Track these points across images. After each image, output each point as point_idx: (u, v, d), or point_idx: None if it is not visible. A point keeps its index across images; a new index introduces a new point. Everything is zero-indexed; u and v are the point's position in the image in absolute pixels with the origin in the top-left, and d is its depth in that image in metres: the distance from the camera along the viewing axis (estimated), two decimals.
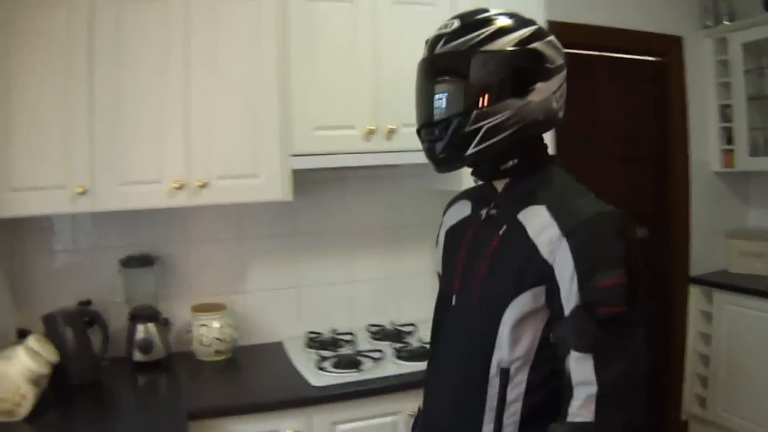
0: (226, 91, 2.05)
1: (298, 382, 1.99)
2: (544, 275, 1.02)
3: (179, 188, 1.99)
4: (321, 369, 2.03)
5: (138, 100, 1.97)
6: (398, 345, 2.26)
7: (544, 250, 1.03)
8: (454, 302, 1.21)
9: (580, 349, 0.99)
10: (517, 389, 1.07)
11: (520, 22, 1.11)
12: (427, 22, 1.46)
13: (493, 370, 1.08)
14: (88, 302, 2.17)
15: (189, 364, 2.20)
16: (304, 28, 2.10)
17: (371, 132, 2.15)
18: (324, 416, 1.90)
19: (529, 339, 1.06)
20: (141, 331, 2.15)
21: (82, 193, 1.91)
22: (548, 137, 1.21)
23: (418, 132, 1.19)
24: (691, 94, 3.28)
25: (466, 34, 1.08)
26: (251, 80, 2.07)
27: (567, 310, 1.00)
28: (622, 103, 3.18)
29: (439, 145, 1.12)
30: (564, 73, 1.14)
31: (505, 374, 1.07)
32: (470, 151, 1.09)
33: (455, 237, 1.28)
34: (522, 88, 1.08)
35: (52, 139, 1.90)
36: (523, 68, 1.08)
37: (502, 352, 1.07)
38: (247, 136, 2.07)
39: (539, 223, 1.05)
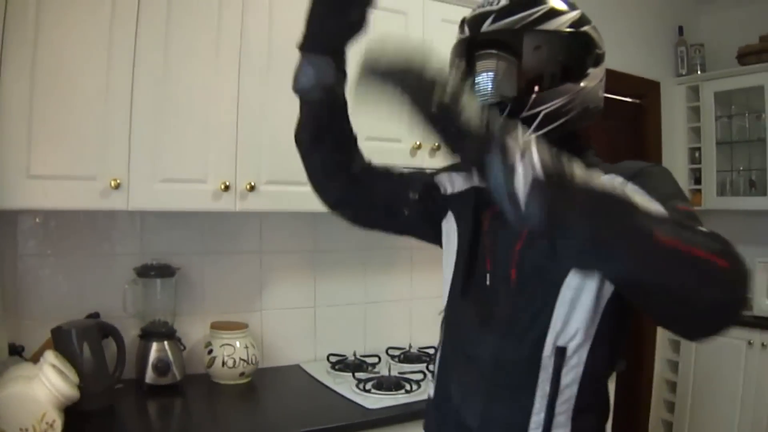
0: (278, 92, 1.90)
1: (345, 405, 1.82)
2: None
3: (225, 190, 1.80)
4: (365, 391, 1.89)
5: (186, 91, 1.77)
6: (429, 366, 2.16)
7: None
8: (488, 281, 1.05)
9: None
10: (573, 372, 0.95)
11: (568, 3, 1.05)
12: None
13: (548, 350, 0.95)
14: (95, 315, 1.89)
15: (206, 387, 1.97)
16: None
17: (417, 147, 2.09)
18: None
19: (590, 312, 0.94)
20: (156, 350, 1.89)
21: (116, 188, 1.67)
22: None
23: None
24: (664, 136, 3.51)
25: (518, 12, 0.99)
26: None
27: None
28: (608, 141, 3.32)
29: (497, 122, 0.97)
30: (605, 62, 1.08)
31: (561, 354, 0.94)
32: (529, 133, 0.90)
33: (466, 207, 1.11)
34: (578, 73, 1.02)
35: (84, 124, 1.65)
36: (579, 51, 1.03)
37: (558, 330, 0.95)
38: None
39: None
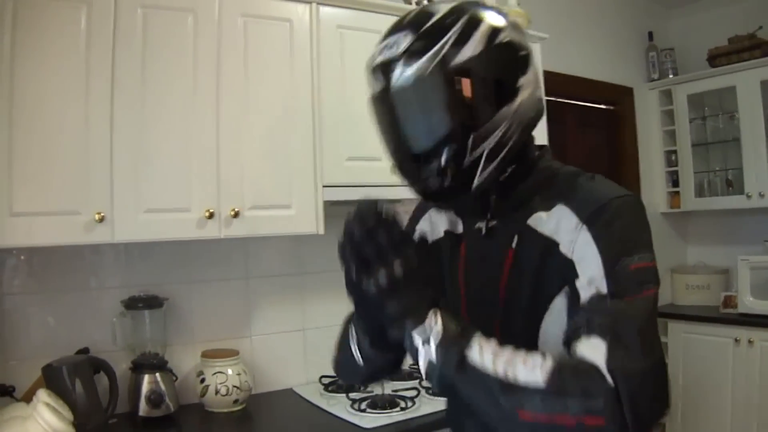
0: (256, 118, 1.92)
1: (341, 427, 1.82)
2: (567, 276, 0.88)
3: (210, 217, 1.81)
4: (361, 411, 1.89)
5: (165, 121, 1.78)
6: (422, 383, 2.16)
7: (563, 245, 0.89)
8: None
9: (596, 332, 0.81)
10: None
11: (474, 12, 0.92)
12: None
13: None
14: (85, 350, 1.88)
15: (201, 417, 1.96)
16: (335, 53, 2.05)
17: None
18: None
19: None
20: (148, 382, 1.88)
21: (100, 221, 1.67)
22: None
23: (398, 170, 0.98)
24: (640, 141, 3.57)
25: (426, 49, 0.88)
26: (284, 103, 1.96)
27: (585, 297, 0.85)
28: (586, 149, 3.38)
29: (435, 183, 0.92)
30: (533, 54, 0.97)
31: None
32: (477, 182, 0.91)
33: (442, 255, 1.09)
34: (509, 91, 0.91)
35: (65, 158, 1.65)
36: (503, 68, 0.91)
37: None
38: (280, 164, 1.94)
39: (555, 218, 0.91)
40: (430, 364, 0.83)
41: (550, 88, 2.65)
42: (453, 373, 0.82)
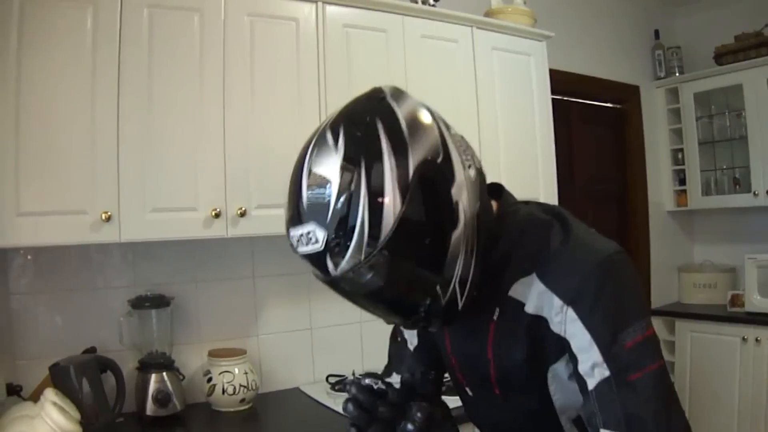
0: (262, 116, 1.92)
1: None
2: (564, 347, 0.84)
3: (216, 217, 1.81)
4: None
5: (171, 120, 1.78)
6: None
7: (553, 323, 0.85)
8: (471, 394, 1.02)
9: (612, 428, 0.79)
10: None
11: (372, 155, 0.75)
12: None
13: (566, 426, 0.92)
14: (92, 350, 1.88)
15: (208, 416, 1.96)
16: (341, 52, 2.05)
17: None
18: None
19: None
20: (155, 381, 1.88)
21: (107, 220, 1.67)
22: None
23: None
24: (647, 140, 3.56)
25: (345, 244, 0.74)
26: (290, 103, 1.96)
27: (591, 384, 0.81)
28: (592, 147, 3.37)
29: (423, 325, 0.89)
30: (446, 128, 0.83)
31: (580, 423, 0.90)
32: (461, 306, 0.84)
33: (429, 335, 1.08)
34: (449, 218, 0.79)
35: (72, 158, 1.66)
36: (430, 202, 0.77)
37: (567, 412, 0.90)
38: (286, 163, 1.93)
39: (536, 295, 0.86)
40: None
41: (556, 87, 2.65)
42: None
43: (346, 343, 2.39)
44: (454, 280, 0.81)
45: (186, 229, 1.80)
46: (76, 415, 1.57)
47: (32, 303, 1.89)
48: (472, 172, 0.83)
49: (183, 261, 2.10)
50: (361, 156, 0.75)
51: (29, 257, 1.89)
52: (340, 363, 2.32)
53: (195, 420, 1.92)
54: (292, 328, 2.30)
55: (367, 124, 0.78)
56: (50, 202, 1.63)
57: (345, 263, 0.75)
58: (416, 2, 2.32)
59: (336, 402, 2.01)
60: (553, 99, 2.59)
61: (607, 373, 0.79)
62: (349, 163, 0.75)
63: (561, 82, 2.84)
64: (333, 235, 0.74)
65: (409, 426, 0.82)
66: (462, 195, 0.80)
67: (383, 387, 0.85)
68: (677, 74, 3.56)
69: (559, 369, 0.87)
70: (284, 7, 1.97)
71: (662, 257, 3.58)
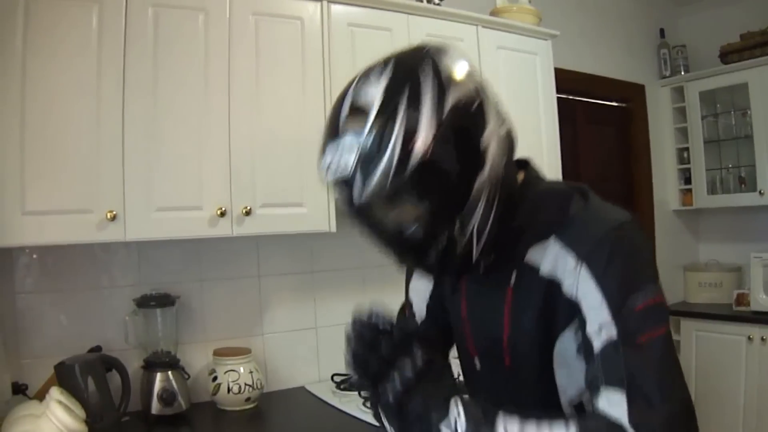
0: (267, 115, 1.91)
1: (354, 425, 1.82)
2: (573, 314, 0.86)
3: (222, 215, 1.81)
4: None
5: (176, 119, 1.78)
6: None
7: (565, 285, 0.87)
8: (479, 367, 1.04)
9: (614, 384, 0.80)
10: None
11: (409, 95, 0.81)
12: None
13: (567, 410, 0.93)
14: (97, 348, 1.88)
15: (213, 415, 1.96)
16: (346, 50, 2.05)
17: None
18: None
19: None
20: (160, 380, 1.88)
21: (112, 219, 1.67)
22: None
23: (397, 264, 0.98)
24: (652, 138, 3.55)
25: (376, 165, 0.79)
26: (295, 101, 1.95)
27: (597, 347, 0.82)
28: (597, 146, 3.36)
29: (435, 268, 0.93)
30: (485, 88, 0.88)
31: (580, 408, 0.91)
32: (476, 255, 0.88)
33: (441, 292, 1.10)
34: (475, 160, 0.84)
35: (77, 157, 1.66)
36: (461, 140, 0.82)
37: (568, 393, 0.92)
38: (291, 162, 1.94)
39: (552, 257, 0.89)
40: None
41: (561, 86, 2.65)
42: None
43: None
44: (471, 226, 0.85)
45: (191, 228, 1.80)
46: (82, 413, 1.56)
47: (38, 302, 1.89)
48: (503, 130, 0.88)
49: (188, 260, 2.10)
50: (402, 89, 0.81)
51: (34, 256, 1.89)
52: (345, 362, 2.31)
53: (200, 419, 1.92)
54: (298, 327, 2.30)
55: (411, 65, 0.84)
56: (55, 201, 1.63)
57: (371, 189, 0.80)
58: (421, 1, 2.32)
59: (341, 401, 2.01)
60: (558, 98, 2.59)
61: (614, 334, 0.80)
62: (390, 93, 0.80)
63: (566, 81, 2.83)
64: (364, 159, 0.79)
65: (408, 371, 0.82)
66: (491, 145, 0.85)
67: (388, 327, 0.85)
68: (682, 73, 3.55)
69: (567, 341, 0.88)
70: (289, 5, 1.97)
71: (667, 256, 3.57)
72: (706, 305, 3.43)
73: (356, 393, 2.03)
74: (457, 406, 0.82)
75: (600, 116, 3.39)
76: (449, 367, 0.96)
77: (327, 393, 2.11)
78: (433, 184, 0.82)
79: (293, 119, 1.95)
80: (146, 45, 1.74)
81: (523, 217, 0.93)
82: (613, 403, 0.78)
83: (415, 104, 0.80)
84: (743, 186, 3.39)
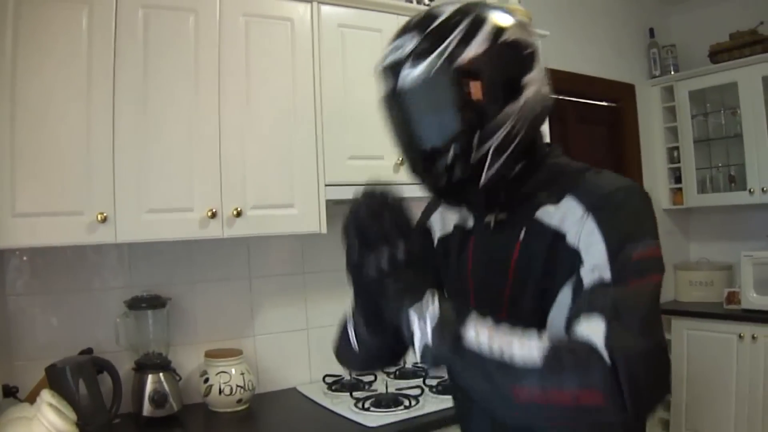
0: (257, 117, 1.92)
1: (345, 425, 1.82)
2: (573, 267, 0.88)
3: (212, 217, 1.81)
4: (365, 410, 1.89)
5: (166, 121, 1.78)
6: (426, 381, 2.16)
7: (570, 235, 0.90)
8: None
9: (596, 312, 0.80)
10: None
11: (479, 12, 0.94)
12: None
13: None
14: (89, 351, 1.88)
15: (204, 417, 1.96)
16: (336, 52, 2.05)
17: (400, 164, 2.09)
18: None
19: None
20: (151, 382, 1.88)
21: (102, 221, 1.67)
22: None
23: (410, 170, 1.02)
24: (642, 138, 3.57)
25: (431, 51, 0.90)
26: (286, 102, 1.96)
27: (587, 283, 0.85)
28: (587, 146, 3.38)
29: (444, 180, 0.95)
30: (539, 51, 0.98)
31: None
32: (484, 179, 0.93)
33: (451, 250, 1.11)
34: (514, 89, 0.93)
35: (67, 159, 1.65)
36: (507, 66, 0.92)
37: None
38: (282, 163, 1.94)
39: (562, 212, 0.92)
40: (425, 346, 0.82)
41: (561, 87, 2.65)
42: (448, 355, 0.81)
43: None
44: (489, 145, 0.92)
45: (182, 230, 1.80)
46: (73, 416, 1.56)
47: (28, 304, 1.89)
48: (545, 89, 0.98)
49: (179, 261, 2.10)
50: (470, 12, 0.93)
51: (25, 258, 1.89)
52: (336, 363, 2.29)
53: (192, 421, 1.92)
54: (289, 328, 2.31)
55: (486, 3, 0.97)
56: (46, 203, 1.63)
57: (418, 70, 0.91)
58: (411, 2, 2.33)
59: (333, 402, 2.01)
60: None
61: (608, 276, 0.83)
62: (459, 11, 0.93)
63: (556, 81, 2.79)
64: (419, 50, 0.91)
65: (400, 252, 0.84)
66: (530, 88, 0.94)
67: (397, 201, 0.86)
68: (672, 72, 3.57)
69: (564, 297, 0.90)
70: (279, 7, 1.97)
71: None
72: (697, 304, 3.45)
73: (348, 394, 2.04)
74: (432, 297, 0.84)
75: (590, 116, 3.40)
76: (437, 273, 1.01)
77: (318, 394, 2.12)
78: (468, 90, 0.90)
79: (283, 120, 1.95)
80: (136, 46, 1.74)
81: (538, 180, 0.98)
82: (592, 328, 0.79)
83: (477, 25, 0.91)
84: (733, 185, 3.41)
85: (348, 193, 2.00)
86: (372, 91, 2.14)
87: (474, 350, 0.80)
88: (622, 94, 3.51)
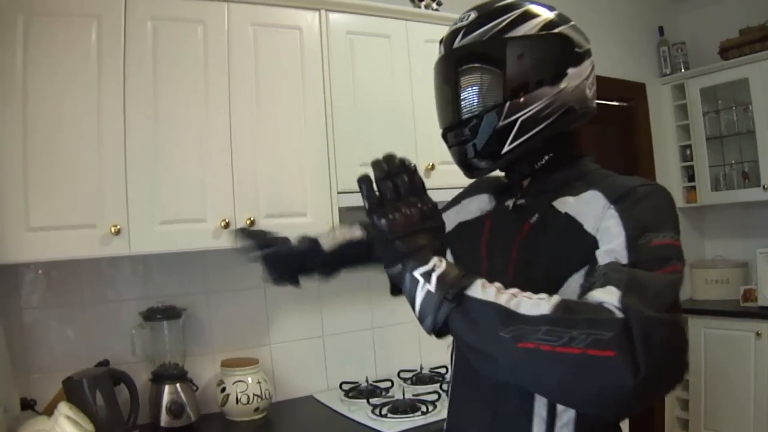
0: (268, 126, 1.92)
1: None
2: (589, 254, 0.87)
3: (225, 227, 1.81)
4: (382, 416, 1.88)
5: (178, 132, 1.79)
6: (444, 386, 2.15)
7: (588, 224, 0.91)
8: None
9: (612, 283, 0.77)
10: None
11: (544, 6, 1.03)
12: None
13: None
14: (105, 362, 1.89)
15: (222, 426, 1.96)
16: (346, 59, 2.05)
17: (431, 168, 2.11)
18: None
19: None
20: (168, 392, 1.88)
21: (116, 234, 1.68)
22: None
23: (444, 137, 1.08)
24: (654, 136, 3.54)
25: (486, 23, 0.99)
26: (296, 111, 1.96)
27: (602, 262, 0.84)
28: (599, 146, 3.35)
29: (470, 147, 1.01)
30: (592, 59, 1.05)
31: None
32: (506, 148, 0.99)
33: (469, 233, 1.14)
34: (554, 75, 0.98)
35: (80, 172, 1.67)
36: (553, 53, 0.99)
37: None
38: (294, 172, 1.94)
39: (583, 201, 0.95)
40: (427, 294, 0.78)
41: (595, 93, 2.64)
42: (450, 306, 0.77)
43: (358, 349, 2.39)
44: (518, 115, 0.97)
45: (195, 241, 1.80)
46: (90, 428, 1.56)
47: (44, 317, 1.90)
48: (588, 93, 1.04)
49: (193, 272, 2.11)
50: (533, 4, 1.02)
51: (40, 272, 1.90)
52: (353, 370, 2.32)
53: (209, 430, 1.92)
54: (304, 336, 2.30)
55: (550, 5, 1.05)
56: (59, 217, 1.64)
57: (470, 37, 1.00)
58: (419, 7, 2.32)
59: (350, 409, 2.00)
60: None
61: (624, 260, 0.82)
62: (521, 2, 1.02)
63: None
64: (478, 22, 1.00)
65: (414, 214, 0.82)
66: (572, 81, 0.99)
67: (413, 169, 0.85)
68: (683, 70, 3.54)
69: (573, 283, 0.90)
70: (287, 15, 1.98)
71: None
72: (714, 302, 3.41)
73: (365, 401, 2.03)
74: (439, 260, 0.80)
75: (601, 116, 3.33)
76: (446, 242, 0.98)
77: (335, 401, 2.11)
78: (512, 59, 0.97)
79: (294, 128, 1.96)
80: (146, 58, 1.75)
81: (565, 175, 1.02)
82: (605, 293, 0.75)
83: (535, 13, 1.00)
84: (747, 181, 3.38)
85: (361, 200, 2.02)
86: (382, 97, 2.16)
87: (478, 300, 0.76)
88: (633, 93, 3.49)
